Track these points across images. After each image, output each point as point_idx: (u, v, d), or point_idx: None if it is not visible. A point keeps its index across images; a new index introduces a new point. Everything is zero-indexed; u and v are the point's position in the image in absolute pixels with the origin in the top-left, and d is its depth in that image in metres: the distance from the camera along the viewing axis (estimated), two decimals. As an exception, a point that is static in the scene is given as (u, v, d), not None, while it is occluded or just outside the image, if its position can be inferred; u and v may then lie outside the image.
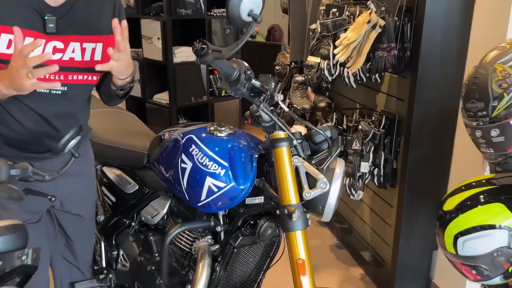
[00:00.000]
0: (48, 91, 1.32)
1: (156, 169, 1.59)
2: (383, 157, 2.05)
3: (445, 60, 1.82)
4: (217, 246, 1.48)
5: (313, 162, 1.31)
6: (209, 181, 1.36)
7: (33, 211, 1.37)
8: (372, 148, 2.05)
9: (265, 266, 1.57)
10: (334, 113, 2.34)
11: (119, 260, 1.75)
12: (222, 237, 1.45)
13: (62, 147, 1.20)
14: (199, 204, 1.41)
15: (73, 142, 1.22)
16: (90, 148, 1.58)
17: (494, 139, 1.16)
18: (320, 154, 1.32)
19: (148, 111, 4.27)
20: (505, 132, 1.14)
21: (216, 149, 1.39)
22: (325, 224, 2.85)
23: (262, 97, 1.26)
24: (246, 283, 1.55)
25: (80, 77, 1.35)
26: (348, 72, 2.09)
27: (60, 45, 1.29)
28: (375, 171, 2.09)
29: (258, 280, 1.59)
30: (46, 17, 1.25)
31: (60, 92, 1.33)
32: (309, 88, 2.71)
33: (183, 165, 1.42)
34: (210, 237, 1.49)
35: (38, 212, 1.39)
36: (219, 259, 1.46)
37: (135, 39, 4.15)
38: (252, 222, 1.44)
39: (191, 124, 1.59)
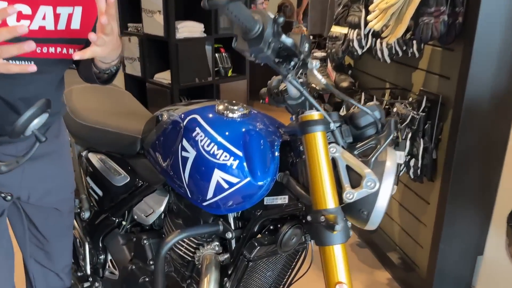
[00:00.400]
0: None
1: (152, 158, 1.28)
2: (422, 145, 1.73)
3: (509, 29, 1.48)
4: (226, 256, 1.17)
5: (355, 152, 0.99)
6: (217, 175, 1.05)
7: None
8: (409, 135, 1.73)
9: (285, 281, 1.27)
10: (363, 94, 2.00)
11: (107, 267, 1.45)
12: (233, 245, 1.15)
13: (21, 127, 0.90)
14: (204, 204, 1.10)
15: (36, 121, 0.91)
16: (64, 129, 1.27)
17: None
18: (365, 142, 1.00)
19: (148, 91, 3.96)
20: None
21: (227, 133, 1.07)
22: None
23: (292, 64, 0.93)
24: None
25: (52, 49, 1.02)
26: (382, 44, 1.76)
27: (27, 10, 0.95)
28: (412, 162, 1.77)
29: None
30: None
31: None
32: (329, 65, 2.38)
33: (184, 153, 1.11)
34: (217, 243, 1.18)
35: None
36: (229, 272, 1.15)
37: (135, 13, 3.82)
38: (272, 227, 1.13)
39: (195, 102, 1.27)
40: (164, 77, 3.83)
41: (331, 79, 2.38)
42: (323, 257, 0.94)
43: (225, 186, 1.05)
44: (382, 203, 0.95)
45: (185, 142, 1.11)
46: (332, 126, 0.97)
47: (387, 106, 1.90)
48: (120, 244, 1.40)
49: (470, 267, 1.84)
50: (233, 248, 1.15)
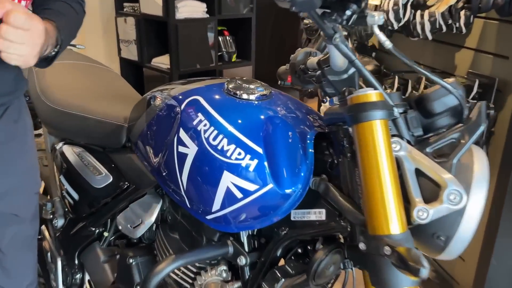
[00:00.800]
0: None
1: (140, 152, 0.98)
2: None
3: None
4: (237, 285, 0.88)
5: (428, 150, 0.69)
6: (227, 179, 0.75)
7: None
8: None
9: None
10: (396, 78, 1.69)
11: (83, 289, 1.16)
12: (247, 273, 0.85)
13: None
14: (208, 217, 0.81)
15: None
16: (27, 113, 0.97)
17: None
18: (440, 136, 0.69)
19: (145, 77, 3.64)
20: None
21: (242, 121, 0.77)
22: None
23: (348, 14, 0.63)
24: None
25: None
26: (423, 17, 1.45)
27: None
28: (456, 160, 1.47)
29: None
30: None
31: None
32: (349, 44, 2.07)
33: (181, 148, 0.81)
34: (225, 268, 0.89)
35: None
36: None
37: (131, -9, 3.51)
38: (300, 250, 0.83)
39: (196, 80, 0.96)
40: (162, 61, 3.51)
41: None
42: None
43: (239, 195, 0.75)
44: (469, 225, 0.65)
45: (182, 133, 0.80)
46: (396, 112, 0.67)
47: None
48: (100, 261, 1.11)
49: (522, 285, 1.55)
50: (246, 276, 0.85)
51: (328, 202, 0.76)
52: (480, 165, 0.67)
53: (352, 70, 0.72)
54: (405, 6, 1.49)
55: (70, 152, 1.16)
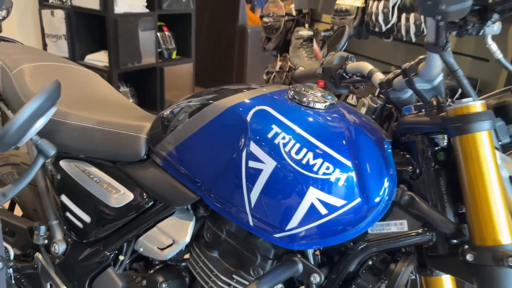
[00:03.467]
0: None
1: (171, 166, 0.89)
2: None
3: None
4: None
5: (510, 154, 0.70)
6: (313, 195, 0.70)
7: None
8: None
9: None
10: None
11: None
12: (315, 289, 0.81)
13: (14, 135, 0.48)
14: (277, 235, 0.75)
15: (39, 124, 0.50)
16: None
17: None
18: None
19: (79, 75, 3.35)
20: None
21: (323, 133, 0.72)
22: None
23: (493, 19, 0.61)
24: None
25: None
26: (411, 19, 1.50)
27: None
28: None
29: None
30: None
31: None
32: (315, 44, 2.10)
33: (253, 163, 0.74)
34: (281, 286, 0.83)
35: None
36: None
37: (60, -19, 3.19)
38: (370, 263, 0.80)
39: (235, 90, 0.88)
40: (98, 58, 3.26)
41: (319, 60, 2.09)
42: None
43: (323, 211, 0.71)
44: None
45: (254, 147, 0.73)
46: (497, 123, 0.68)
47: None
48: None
49: None
50: (312, 291, 0.81)
51: (409, 213, 0.74)
52: None
53: (439, 79, 0.71)
54: (393, 7, 1.53)
55: (72, 167, 1.02)
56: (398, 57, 1.81)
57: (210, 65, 4.27)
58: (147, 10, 3.26)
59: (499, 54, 0.70)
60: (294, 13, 2.23)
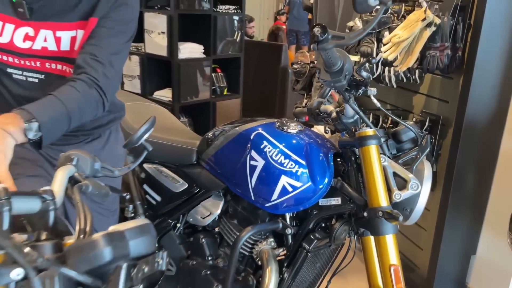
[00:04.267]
0: (24, 78, 1.20)
1: (210, 167, 1.49)
2: (424, 159, 2.00)
3: (501, 63, 1.79)
4: (281, 249, 1.38)
5: (399, 162, 1.23)
6: (284, 180, 1.27)
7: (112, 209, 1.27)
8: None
9: (327, 270, 1.49)
10: (371, 114, 2.27)
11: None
12: (290, 240, 1.36)
13: (136, 140, 1.08)
14: (267, 205, 1.32)
15: (146, 134, 1.10)
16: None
17: None
18: (406, 153, 1.25)
19: (148, 108, 4.11)
20: None
21: (291, 145, 1.30)
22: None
23: (360, 91, 1.17)
24: (309, 288, 1.46)
25: (59, 66, 1.19)
26: (390, 72, 2.04)
27: (30, 32, 1.14)
28: (415, 174, 2.04)
29: (319, 286, 1.50)
30: (14, 1, 1.11)
31: (37, 80, 1.20)
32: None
33: (252, 162, 1.32)
34: (272, 239, 1.39)
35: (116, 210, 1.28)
36: (285, 264, 1.36)
37: (137, 33, 3.99)
38: (323, 225, 1.35)
39: (249, 121, 1.48)
40: (164, 94, 4.00)
41: (334, 99, 2.65)
42: (379, 245, 1.17)
43: (290, 189, 1.27)
44: (422, 202, 1.20)
45: (253, 153, 1.32)
46: (382, 140, 1.22)
47: (391, 125, 2.17)
48: (176, 243, 1.58)
49: (465, 266, 2.11)
50: (289, 242, 1.36)
51: (343, 193, 1.28)
52: (427, 170, 1.22)
53: (356, 116, 1.26)
54: (377, 64, 2.08)
55: (151, 168, 1.65)
56: (391, 98, 2.33)
57: (256, 100, 4.93)
58: (204, 56, 3.97)
59: (378, 104, 1.24)
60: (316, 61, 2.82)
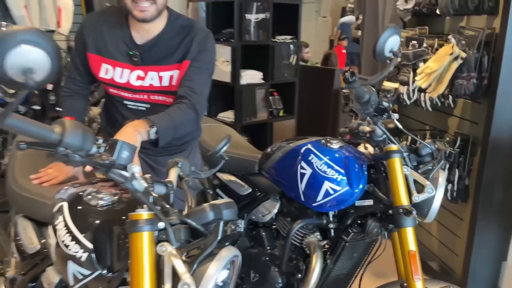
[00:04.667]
0: (136, 107, 1.68)
1: (269, 175, 1.87)
2: (457, 174, 2.27)
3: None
4: (325, 242, 1.73)
5: (419, 171, 1.56)
6: (326, 185, 1.63)
7: None
8: (447, 165, 2.28)
9: (363, 261, 1.81)
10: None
11: (231, 253, 2.03)
12: (332, 233, 1.71)
13: (216, 152, 1.49)
14: (314, 204, 1.67)
15: (225, 148, 1.51)
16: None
17: None
18: (424, 165, 1.57)
19: (213, 127, 4.60)
20: None
21: (333, 158, 1.66)
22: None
23: (384, 116, 1.53)
24: (349, 276, 1.80)
25: (161, 98, 1.66)
26: (425, 97, 2.35)
27: (141, 74, 1.62)
28: (449, 187, 2.31)
29: (358, 274, 1.83)
30: (130, 53, 1.59)
31: (145, 109, 1.67)
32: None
33: (302, 170, 1.69)
34: (318, 233, 1.74)
35: None
36: (328, 253, 1.71)
37: (204, 62, 4.52)
38: (359, 221, 1.69)
39: (300, 139, 1.86)
40: (227, 115, 4.48)
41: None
42: (400, 235, 1.49)
43: (332, 192, 1.63)
44: (437, 204, 1.51)
45: (303, 163, 1.69)
46: (405, 155, 1.55)
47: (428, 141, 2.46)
48: (242, 236, 1.98)
49: (497, 271, 2.33)
50: (332, 235, 1.71)
51: (374, 196, 1.62)
52: (441, 178, 1.53)
53: (383, 136, 1.60)
54: (413, 90, 2.39)
55: (222, 176, 2.07)
56: (429, 119, 2.62)
57: (310, 120, 5.30)
58: (263, 81, 4.42)
59: (400, 125, 1.56)
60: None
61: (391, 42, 1.42)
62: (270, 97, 4.64)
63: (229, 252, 1.00)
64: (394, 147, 1.54)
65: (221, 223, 1.00)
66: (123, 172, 0.96)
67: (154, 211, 0.98)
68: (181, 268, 0.93)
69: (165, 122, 1.42)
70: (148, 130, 1.34)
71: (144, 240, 0.97)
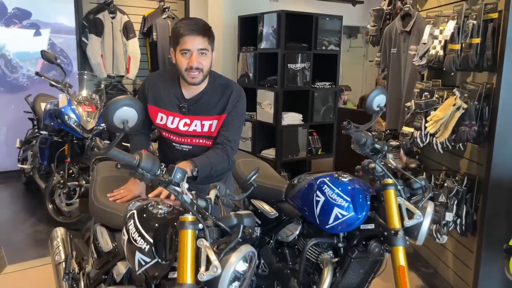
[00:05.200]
0: (181, 148, 2.15)
1: (293, 202, 2.28)
2: (465, 209, 2.55)
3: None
4: (336, 259, 2.09)
5: (411, 202, 1.91)
6: (336, 211, 2.01)
7: None
8: (456, 201, 2.57)
9: (370, 278, 2.14)
10: (424, 173, 2.89)
11: (260, 267, 2.41)
12: (342, 251, 2.07)
13: (248, 179, 1.93)
14: (327, 227, 2.05)
15: (254, 177, 1.94)
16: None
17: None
18: (416, 197, 1.92)
19: (256, 163, 5.06)
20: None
21: (342, 189, 2.04)
22: (413, 269, 3.31)
23: (379, 156, 1.91)
24: (356, 289, 2.13)
25: (201, 141, 2.12)
26: (436, 141, 2.68)
27: (188, 121, 2.09)
28: (458, 221, 2.59)
29: (365, 288, 2.16)
30: (180, 105, 2.07)
31: (187, 150, 2.14)
32: (401, 151, 3.30)
33: (317, 198, 2.08)
34: (331, 252, 2.11)
35: None
36: (338, 268, 2.06)
37: (251, 105, 5.04)
38: (364, 242, 2.04)
39: (318, 172, 2.26)
40: (269, 153, 4.94)
41: (403, 161, 3.29)
42: (393, 253, 1.83)
43: (340, 216, 2.00)
44: (425, 228, 1.85)
45: (318, 192, 2.08)
46: (399, 187, 1.91)
47: (442, 182, 2.76)
48: (270, 253, 2.37)
49: (504, 301, 2.54)
50: (341, 253, 2.06)
51: (375, 221, 1.97)
52: (429, 208, 1.87)
53: (382, 172, 1.97)
54: (426, 135, 2.73)
55: (255, 202, 2.50)
56: (442, 160, 2.92)
57: (348, 159, 5.62)
58: (303, 122, 4.86)
59: (394, 164, 1.92)
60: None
61: (378, 99, 1.82)
62: (310, 137, 5.06)
63: (247, 248, 1.41)
64: (390, 181, 1.90)
65: (241, 227, 1.42)
66: (177, 188, 1.42)
67: (196, 216, 1.43)
68: (212, 256, 1.36)
69: (204, 163, 1.93)
70: (191, 168, 1.87)
71: (188, 236, 1.40)
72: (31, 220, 4.17)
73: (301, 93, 4.86)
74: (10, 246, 3.61)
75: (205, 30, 1.94)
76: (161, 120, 2.11)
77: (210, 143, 2.09)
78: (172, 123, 2.10)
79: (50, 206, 3.91)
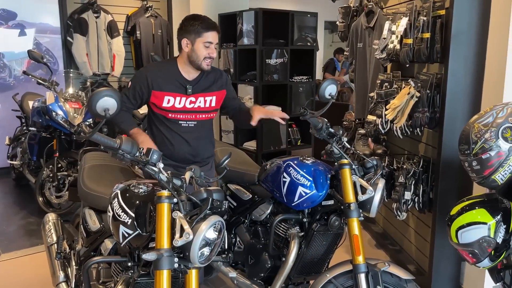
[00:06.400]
0: (187, 124, 2.44)
1: (264, 184, 2.52)
2: (421, 188, 2.82)
3: (461, 120, 2.62)
4: (302, 233, 2.34)
5: (364, 179, 2.16)
6: (300, 189, 2.25)
7: None
8: (413, 181, 2.84)
9: (333, 249, 2.39)
10: (387, 157, 3.16)
11: (236, 244, 2.66)
12: (306, 226, 2.31)
13: (221, 164, 2.16)
14: (293, 204, 2.30)
15: (226, 161, 2.17)
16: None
17: (474, 167, 1.92)
18: (369, 175, 2.17)
19: (238, 155, 5.30)
20: (480, 163, 1.91)
21: (305, 170, 2.29)
22: (382, 247, 3.58)
23: (334, 139, 2.16)
24: (320, 260, 2.38)
25: (204, 115, 2.46)
26: (395, 127, 2.94)
27: (193, 99, 2.42)
28: (416, 199, 2.86)
29: (328, 259, 2.41)
30: (186, 86, 2.39)
31: (193, 125, 2.45)
32: (369, 138, 3.56)
33: (284, 179, 2.33)
34: (298, 227, 2.36)
35: None
36: (303, 241, 2.31)
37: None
38: (325, 217, 2.29)
39: (285, 156, 2.51)
40: (251, 145, 5.17)
41: (370, 148, 3.55)
42: (348, 224, 2.09)
43: (304, 194, 2.25)
44: (376, 202, 2.11)
45: (284, 174, 2.33)
46: (354, 166, 2.16)
47: (402, 164, 3.03)
48: (244, 231, 2.61)
49: (457, 271, 2.82)
50: (306, 227, 2.31)
51: (334, 198, 2.22)
52: (380, 184, 2.12)
53: (339, 154, 2.22)
54: (386, 122, 2.99)
55: (231, 186, 2.74)
56: (400, 143, 3.18)
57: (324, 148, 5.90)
58: (282, 115, 5.10)
59: (347, 145, 2.16)
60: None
61: (329, 89, 2.08)
62: (289, 129, 5.31)
63: (215, 218, 1.65)
64: (345, 161, 2.15)
65: (210, 199, 1.65)
66: (154, 168, 1.65)
67: (171, 191, 1.66)
68: (185, 225, 1.59)
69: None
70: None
71: (164, 208, 1.63)
72: (22, 212, 4.36)
73: (280, 87, 5.10)
74: (3, 236, 3.82)
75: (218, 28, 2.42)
76: (168, 102, 2.39)
77: (211, 115, 2.52)
78: (179, 103, 2.40)
79: (41, 199, 4.11)
